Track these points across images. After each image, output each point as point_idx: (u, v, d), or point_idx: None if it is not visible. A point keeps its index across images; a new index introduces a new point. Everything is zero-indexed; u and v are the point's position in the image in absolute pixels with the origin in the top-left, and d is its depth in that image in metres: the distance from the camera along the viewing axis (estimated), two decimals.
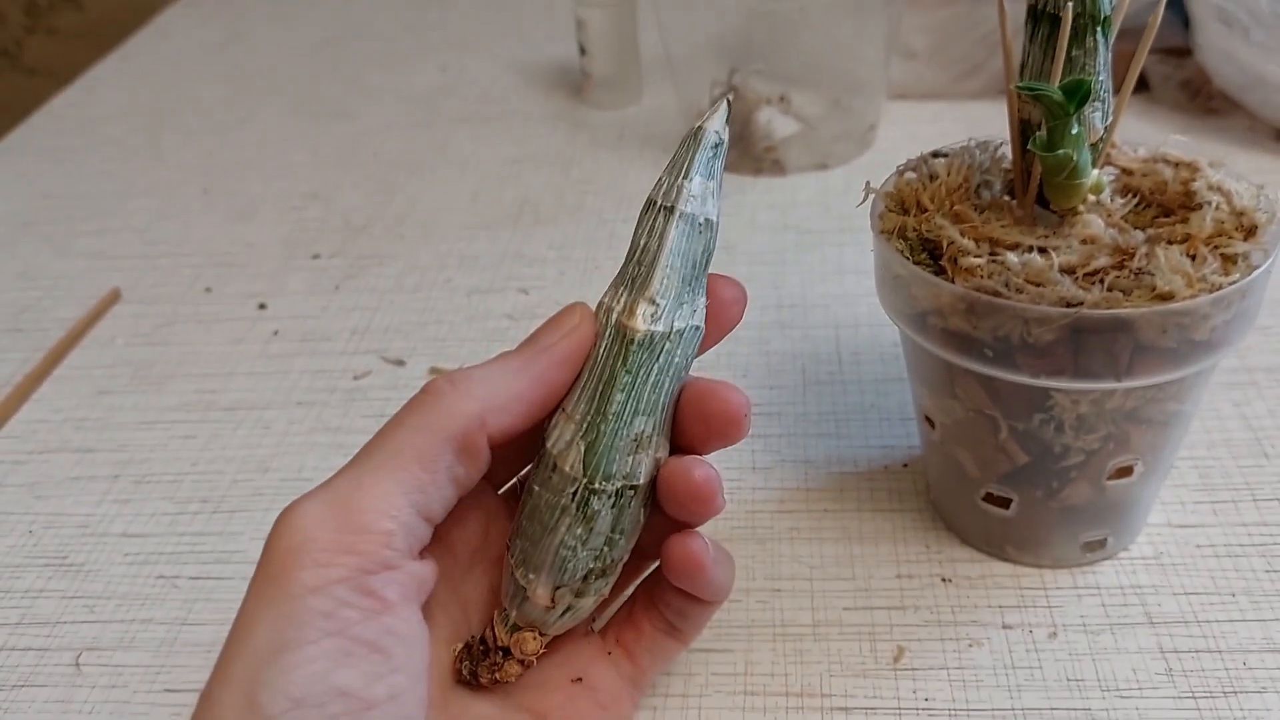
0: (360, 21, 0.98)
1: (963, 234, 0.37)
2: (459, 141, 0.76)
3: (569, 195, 0.68)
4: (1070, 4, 0.35)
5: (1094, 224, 0.36)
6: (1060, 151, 0.35)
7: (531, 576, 0.32)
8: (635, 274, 0.32)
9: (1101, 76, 0.37)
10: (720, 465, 0.47)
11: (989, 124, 0.71)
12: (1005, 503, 0.40)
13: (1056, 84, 0.35)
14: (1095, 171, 0.37)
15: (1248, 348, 0.51)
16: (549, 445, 0.32)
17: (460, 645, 0.33)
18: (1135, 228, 0.38)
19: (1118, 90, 0.38)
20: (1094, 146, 0.38)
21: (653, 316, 0.31)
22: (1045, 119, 0.35)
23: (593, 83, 0.78)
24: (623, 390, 0.31)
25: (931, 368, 0.39)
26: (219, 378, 0.55)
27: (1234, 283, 0.34)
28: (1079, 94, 0.34)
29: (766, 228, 0.64)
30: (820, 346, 0.54)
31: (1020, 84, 0.33)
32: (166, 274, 0.63)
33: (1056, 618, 0.39)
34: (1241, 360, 0.50)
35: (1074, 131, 0.35)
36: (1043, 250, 0.36)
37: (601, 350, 0.32)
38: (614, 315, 0.32)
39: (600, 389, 0.31)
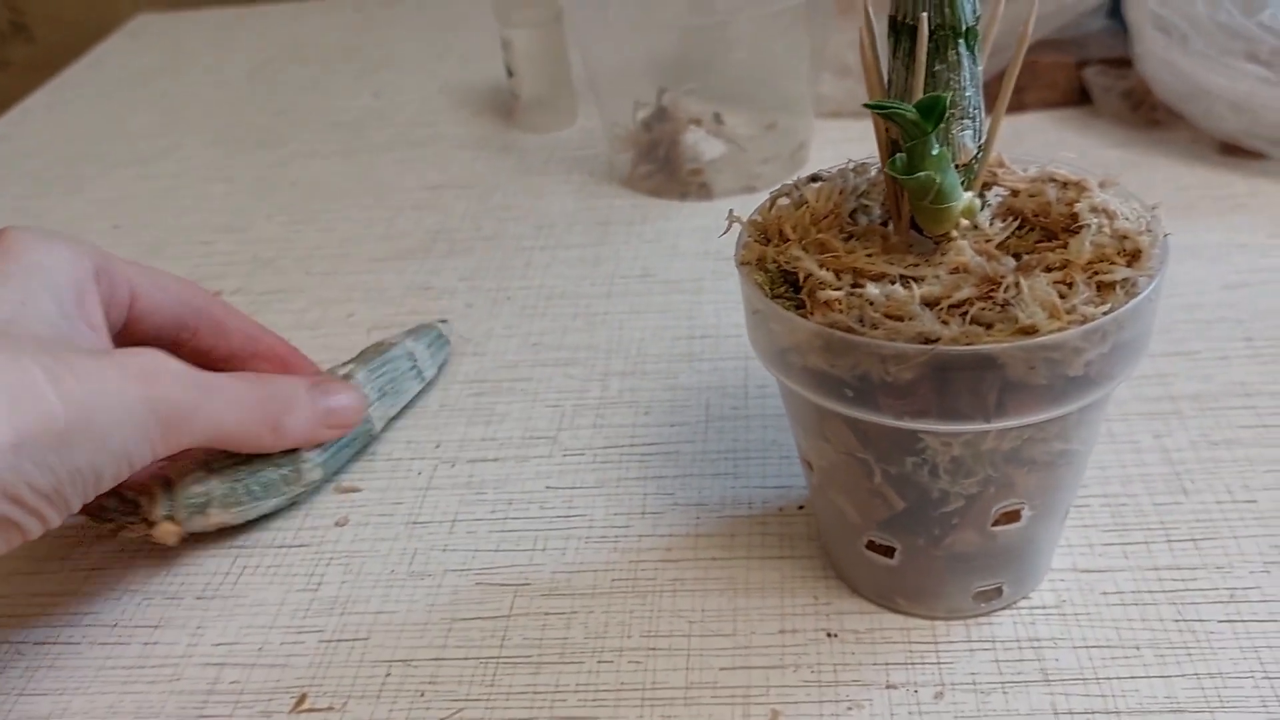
0: (299, 44, 0.96)
1: (823, 265, 0.34)
2: (381, 168, 0.73)
3: (487, 222, 0.66)
4: (926, 15, 0.32)
5: (964, 251, 0.34)
6: (921, 174, 0.32)
7: (218, 512, 0.43)
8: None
9: (969, 92, 0.34)
10: (609, 511, 0.44)
11: None
12: (889, 551, 0.37)
13: (916, 101, 0.32)
14: (968, 194, 0.35)
15: (1173, 374, 0.48)
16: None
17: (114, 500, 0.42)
18: (1017, 253, 0.35)
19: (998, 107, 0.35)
20: (966, 167, 0.35)
21: None
22: (902, 140, 0.32)
23: (522, 105, 0.76)
24: None
25: (800, 408, 0.36)
26: None
27: (1109, 313, 0.31)
28: (936, 112, 0.31)
29: (688, 254, 0.61)
30: (728, 379, 0.51)
31: (871, 102, 0.31)
32: None
33: (945, 675, 0.36)
34: (1165, 387, 0.47)
35: (934, 152, 0.32)
36: (909, 280, 0.33)
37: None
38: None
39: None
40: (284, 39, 0.98)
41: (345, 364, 0.50)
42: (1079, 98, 0.70)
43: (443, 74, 0.87)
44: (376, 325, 0.57)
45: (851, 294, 0.33)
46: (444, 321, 0.55)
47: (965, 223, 0.34)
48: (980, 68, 0.34)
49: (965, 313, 0.32)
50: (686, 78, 0.68)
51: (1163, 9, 0.62)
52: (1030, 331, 0.30)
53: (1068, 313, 0.31)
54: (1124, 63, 0.68)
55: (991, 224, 0.36)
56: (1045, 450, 0.34)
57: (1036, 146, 0.67)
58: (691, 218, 0.65)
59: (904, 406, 0.32)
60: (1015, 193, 0.37)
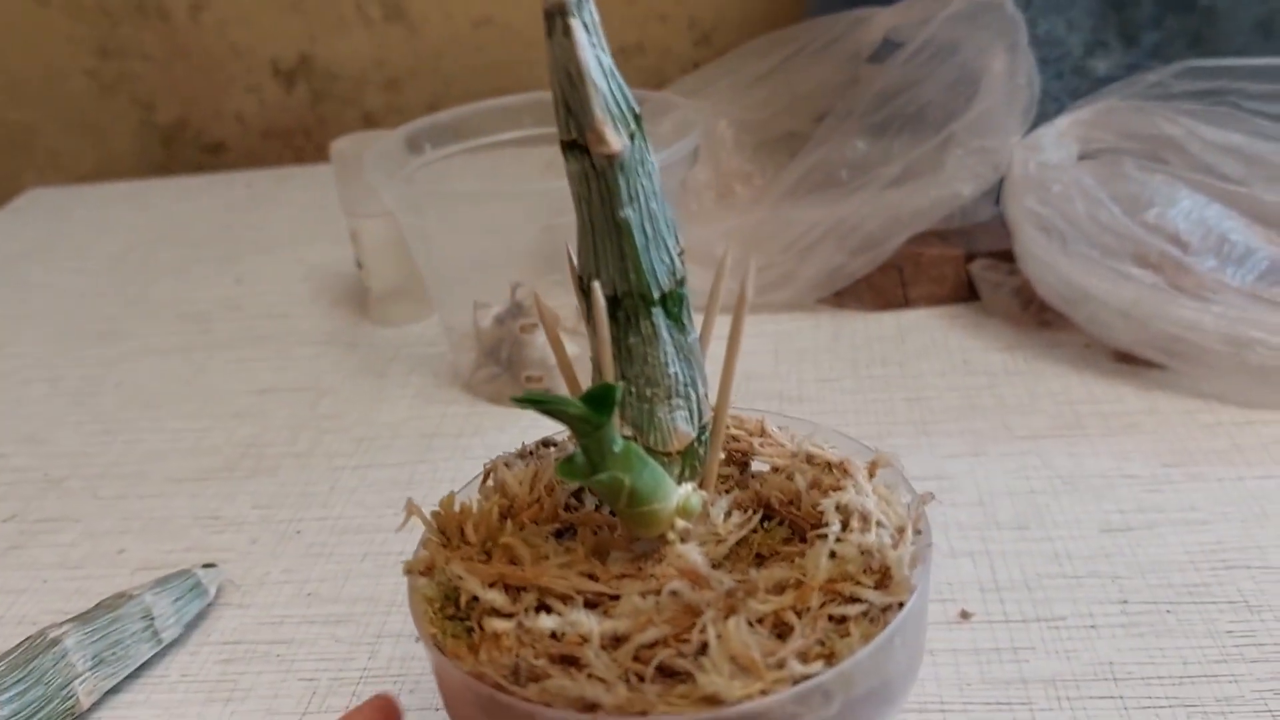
0: (179, 223, 0.92)
1: (499, 581, 0.27)
2: (215, 368, 0.67)
3: (305, 435, 0.59)
4: (597, 283, 0.26)
5: (675, 564, 0.27)
6: (603, 476, 0.25)
7: None
8: None
9: (673, 368, 0.27)
10: None
11: (798, 338, 0.63)
12: None
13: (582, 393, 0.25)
14: (685, 488, 0.28)
15: (1030, 648, 0.40)
16: None
17: None
18: (760, 553, 0.28)
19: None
20: (686, 454, 0.28)
21: None
22: (575, 436, 0.25)
23: (373, 297, 0.70)
24: None
25: None
26: None
27: (833, 663, 0.24)
28: (606, 404, 0.24)
29: None
30: None
31: (519, 396, 0.24)
32: None
33: None
34: (1019, 666, 0.40)
35: (616, 449, 0.25)
36: (606, 602, 0.26)
37: None
38: None
39: None
40: (166, 217, 0.94)
41: (64, 623, 0.43)
42: (968, 293, 0.64)
43: (311, 259, 0.81)
44: (146, 565, 0.50)
45: (524, 627, 0.26)
46: (208, 566, 0.47)
47: (683, 524, 0.27)
48: (694, 335, 0.28)
49: (649, 661, 0.24)
50: (548, 270, 0.63)
51: (1042, 207, 0.56)
52: (714, 701, 0.23)
53: (776, 667, 0.24)
54: (1013, 257, 0.62)
55: (728, 516, 0.29)
56: None
57: (919, 348, 0.61)
58: (530, 431, 0.58)
59: None
60: (777, 470, 0.31)
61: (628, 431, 0.28)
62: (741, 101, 0.71)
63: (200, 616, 0.46)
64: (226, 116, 1.07)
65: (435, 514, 0.30)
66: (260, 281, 0.79)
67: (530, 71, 1.03)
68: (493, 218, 0.58)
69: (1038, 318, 0.60)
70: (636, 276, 0.26)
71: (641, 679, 0.24)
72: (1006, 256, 0.63)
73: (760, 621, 0.25)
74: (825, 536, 0.27)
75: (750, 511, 0.29)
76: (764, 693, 0.23)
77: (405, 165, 0.62)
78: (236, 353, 0.69)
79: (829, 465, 0.30)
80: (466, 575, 0.27)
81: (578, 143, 0.25)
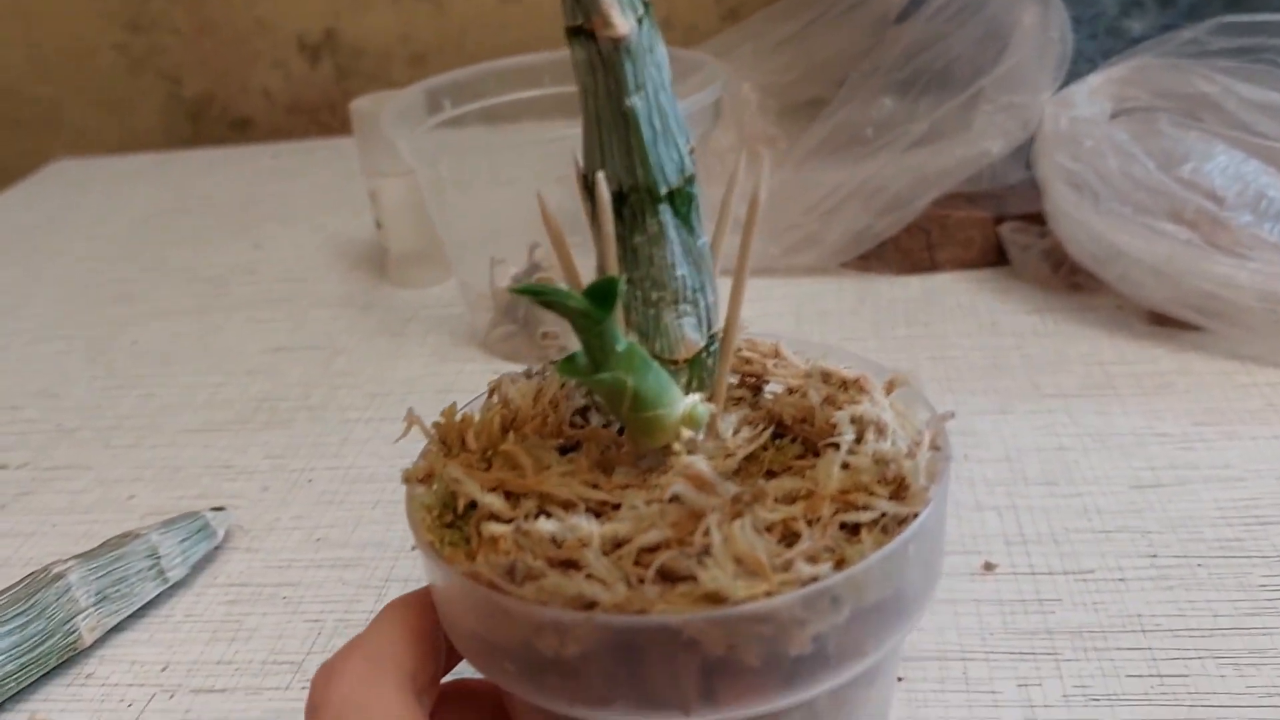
0: (201, 192, 0.91)
1: (500, 487, 0.26)
2: (230, 328, 0.67)
3: (318, 391, 0.58)
4: (601, 175, 0.25)
5: (681, 473, 0.25)
6: (605, 375, 0.24)
7: None
8: None
9: (681, 270, 0.26)
10: None
11: (821, 300, 0.61)
12: None
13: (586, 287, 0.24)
14: (692, 398, 0.27)
15: (1056, 599, 0.39)
16: None
17: None
18: (772, 470, 0.27)
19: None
20: (693, 363, 0.27)
21: None
22: (576, 333, 0.24)
23: (393, 259, 0.70)
24: None
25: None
26: None
27: (840, 568, 0.23)
28: (609, 298, 0.23)
29: None
30: None
31: (518, 286, 0.23)
32: None
33: None
34: (1044, 617, 0.38)
35: (620, 348, 0.24)
36: (608, 510, 0.25)
37: None
38: None
39: None
40: (188, 187, 0.94)
41: (67, 560, 0.42)
42: (997, 257, 0.63)
43: (332, 225, 0.81)
44: (155, 510, 0.50)
45: (522, 531, 0.25)
46: (218, 510, 0.47)
47: (689, 434, 0.26)
48: (703, 240, 0.27)
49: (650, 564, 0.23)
50: (570, 232, 0.62)
51: (1073, 163, 0.55)
52: (717, 599, 0.22)
53: (782, 569, 0.23)
54: (1043, 219, 0.61)
55: (737, 432, 0.28)
56: None
57: (945, 310, 0.59)
58: None
59: (577, 691, 0.24)
60: (792, 390, 0.30)
61: (633, 337, 0.27)
62: (765, 66, 0.70)
63: (207, 559, 0.46)
64: (253, 92, 1.07)
65: (436, 424, 0.29)
66: (279, 248, 0.79)
67: (556, 51, 1.02)
68: (508, 167, 0.57)
69: (1068, 280, 0.59)
70: (643, 170, 0.25)
71: (642, 581, 0.23)
72: (1036, 219, 0.61)
73: (769, 530, 0.24)
74: (838, 446, 0.25)
75: (761, 427, 0.28)
76: (769, 594, 0.22)
77: (424, 123, 0.62)
78: (252, 314, 0.69)
79: (844, 383, 0.28)
80: (465, 479, 0.26)
81: (584, 28, 0.24)
